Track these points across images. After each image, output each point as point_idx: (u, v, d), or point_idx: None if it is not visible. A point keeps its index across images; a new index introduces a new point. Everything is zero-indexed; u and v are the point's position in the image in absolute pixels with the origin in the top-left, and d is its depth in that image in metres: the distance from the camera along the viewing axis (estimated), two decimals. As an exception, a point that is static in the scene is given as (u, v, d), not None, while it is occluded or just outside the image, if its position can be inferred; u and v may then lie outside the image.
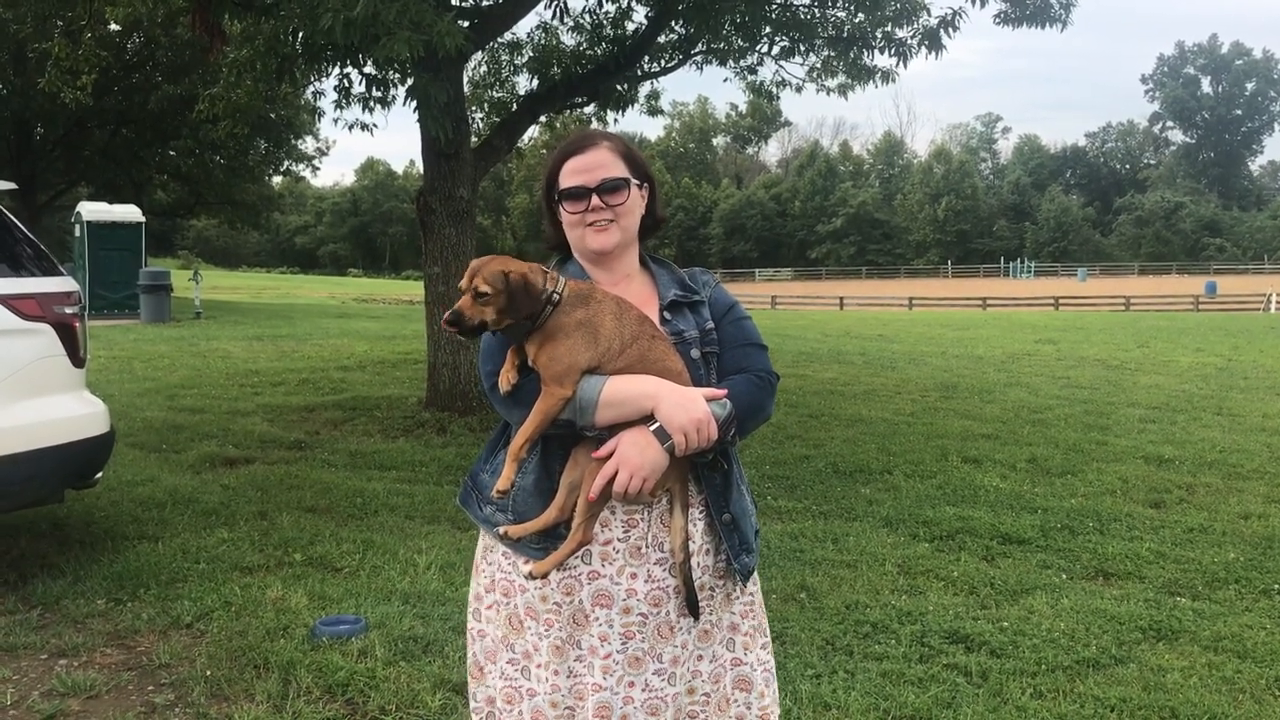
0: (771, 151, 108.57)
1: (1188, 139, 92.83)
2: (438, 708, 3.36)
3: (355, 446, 7.70)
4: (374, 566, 4.79)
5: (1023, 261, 77.36)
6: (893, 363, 14.69)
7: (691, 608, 2.00)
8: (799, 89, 11.46)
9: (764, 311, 34.70)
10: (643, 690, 2.00)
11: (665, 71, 11.10)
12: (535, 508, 2.00)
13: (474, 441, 7.82)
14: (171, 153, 30.63)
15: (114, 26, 20.44)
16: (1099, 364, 14.69)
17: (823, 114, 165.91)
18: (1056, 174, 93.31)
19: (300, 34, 7.74)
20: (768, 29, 9.71)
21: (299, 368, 12.73)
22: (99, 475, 4.89)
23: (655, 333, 2.00)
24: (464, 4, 9.33)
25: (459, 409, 8.75)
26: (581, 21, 10.68)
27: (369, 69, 8.75)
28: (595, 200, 2.05)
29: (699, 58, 10.98)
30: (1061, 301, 38.43)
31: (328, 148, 37.43)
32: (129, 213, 22.95)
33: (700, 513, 2.05)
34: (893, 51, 9.74)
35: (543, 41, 11.17)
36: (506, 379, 1.98)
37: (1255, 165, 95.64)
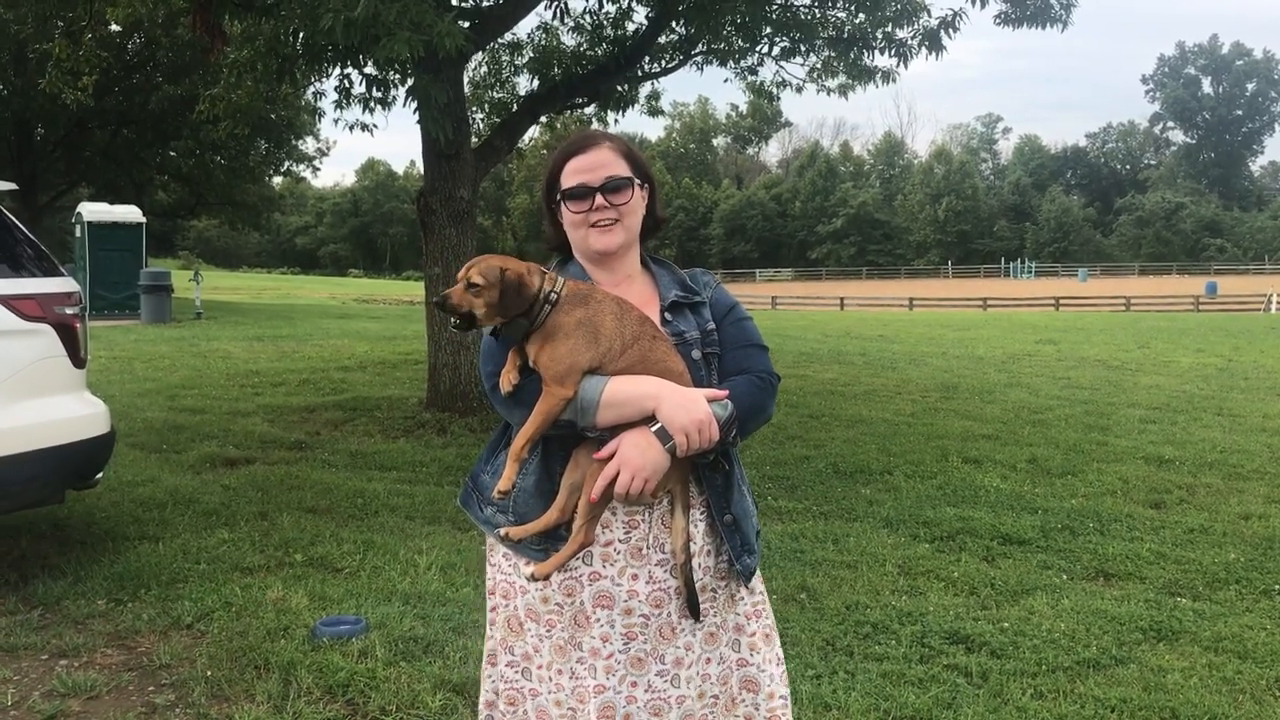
0: (772, 152, 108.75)
1: (1188, 139, 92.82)
2: (438, 708, 3.36)
3: (356, 447, 7.70)
4: (374, 567, 4.79)
5: (1023, 262, 77.36)
6: (893, 363, 14.69)
7: (692, 609, 2.00)
8: (799, 89, 11.46)
9: (764, 312, 34.70)
10: (645, 691, 2.00)
11: (666, 72, 11.11)
12: (536, 509, 2.00)
13: (474, 442, 7.82)
14: (172, 153, 30.65)
15: (115, 27, 20.43)
16: (1099, 364, 14.69)
17: (823, 114, 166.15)
18: (1057, 174, 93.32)
19: (301, 34, 7.75)
20: (768, 29, 9.70)
21: (299, 368, 12.74)
22: (100, 476, 4.89)
23: (656, 333, 2.00)
24: (464, 4, 9.34)
25: (459, 409, 8.75)
26: (582, 22, 10.69)
27: (369, 69, 8.75)
28: (599, 200, 2.04)
29: (699, 58, 10.98)
30: (1062, 302, 38.43)
31: (328, 148, 37.51)
32: (129, 213, 22.96)
33: (701, 514, 2.05)
34: (893, 52, 9.75)
35: (543, 42, 11.18)
36: (507, 379, 1.98)
37: (1256, 165, 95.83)
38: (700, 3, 8.45)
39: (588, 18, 10.61)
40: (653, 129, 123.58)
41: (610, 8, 10.40)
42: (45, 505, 4.92)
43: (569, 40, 11.01)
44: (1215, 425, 9.16)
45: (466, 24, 8.36)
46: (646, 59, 10.52)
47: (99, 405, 4.79)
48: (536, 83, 11.06)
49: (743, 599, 2.13)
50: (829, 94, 11.35)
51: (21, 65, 24.99)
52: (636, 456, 1.89)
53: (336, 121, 22.58)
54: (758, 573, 2.16)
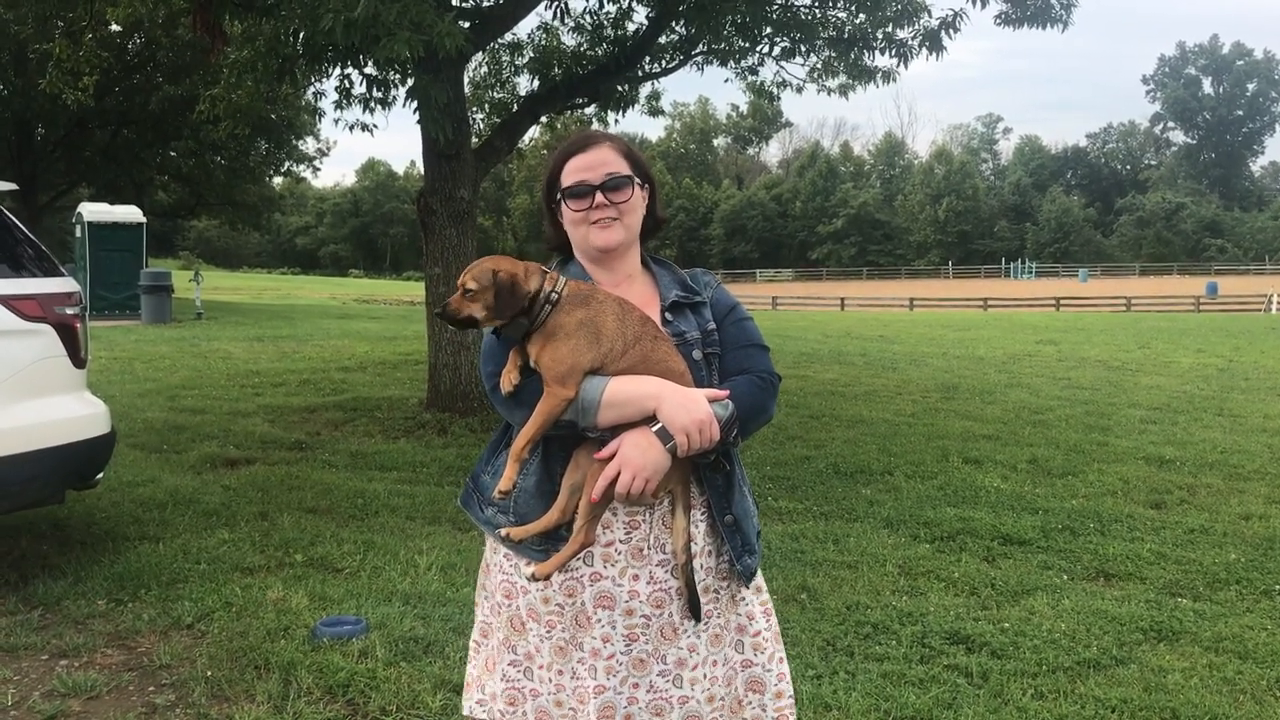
0: (772, 152, 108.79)
1: (1189, 139, 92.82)
2: (438, 708, 3.36)
3: (356, 447, 7.70)
4: (375, 567, 4.79)
5: (1024, 262, 77.35)
6: (894, 363, 14.68)
7: (693, 610, 1.99)
8: (800, 89, 11.46)
9: (765, 312, 34.70)
10: (647, 691, 1.99)
11: (666, 72, 11.10)
12: (537, 509, 2.00)
13: (475, 442, 7.82)
14: (172, 153, 30.67)
15: (115, 27, 20.42)
16: (1100, 365, 14.68)
17: (823, 115, 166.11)
18: (1057, 174, 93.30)
19: (301, 35, 7.74)
20: (768, 29, 9.70)
21: (300, 368, 12.74)
22: (100, 476, 4.89)
23: (658, 334, 2.00)
24: (464, 4, 9.34)
25: (460, 410, 8.75)
26: (582, 22, 10.69)
27: (369, 70, 8.75)
28: (599, 197, 2.04)
29: (700, 58, 10.98)
30: (1062, 302, 38.41)
31: (328, 148, 37.53)
32: (130, 213, 22.95)
33: (702, 514, 2.05)
34: (893, 52, 9.75)
35: (543, 42, 11.18)
36: (508, 380, 1.98)
37: (1256, 166, 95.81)
38: (700, 3, 8.45)
39: (588, 18, 10.62)
40: (653, 129, 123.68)
41: (610, 8, 10.40)
42: (45, 505, 4.92)
43: (569, 40, 11.02)
44: (1216, 426, 9.16)
45: (466, 24, 8.36)
46: (647, 59, 10.52)
47: (99, 405, 4.79)
48: (537, 83, 11.06)
49: (745, 599, 2.12)
50: (829, 94, 11.36)
51: (22, 65, 25.00)
52: (637, 457, 1.89)
53: (337, 122, 22.62)
54: (760, 573, 2.16)
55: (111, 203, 24.85)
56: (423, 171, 9.29)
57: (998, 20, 9.32)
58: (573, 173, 2.07)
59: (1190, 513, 6.03)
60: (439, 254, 8.79)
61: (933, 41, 9.30)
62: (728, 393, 1.97)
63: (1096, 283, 62.63)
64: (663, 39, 10.45)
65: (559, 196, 2.10)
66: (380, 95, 8.89)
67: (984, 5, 8.82)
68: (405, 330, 19.54)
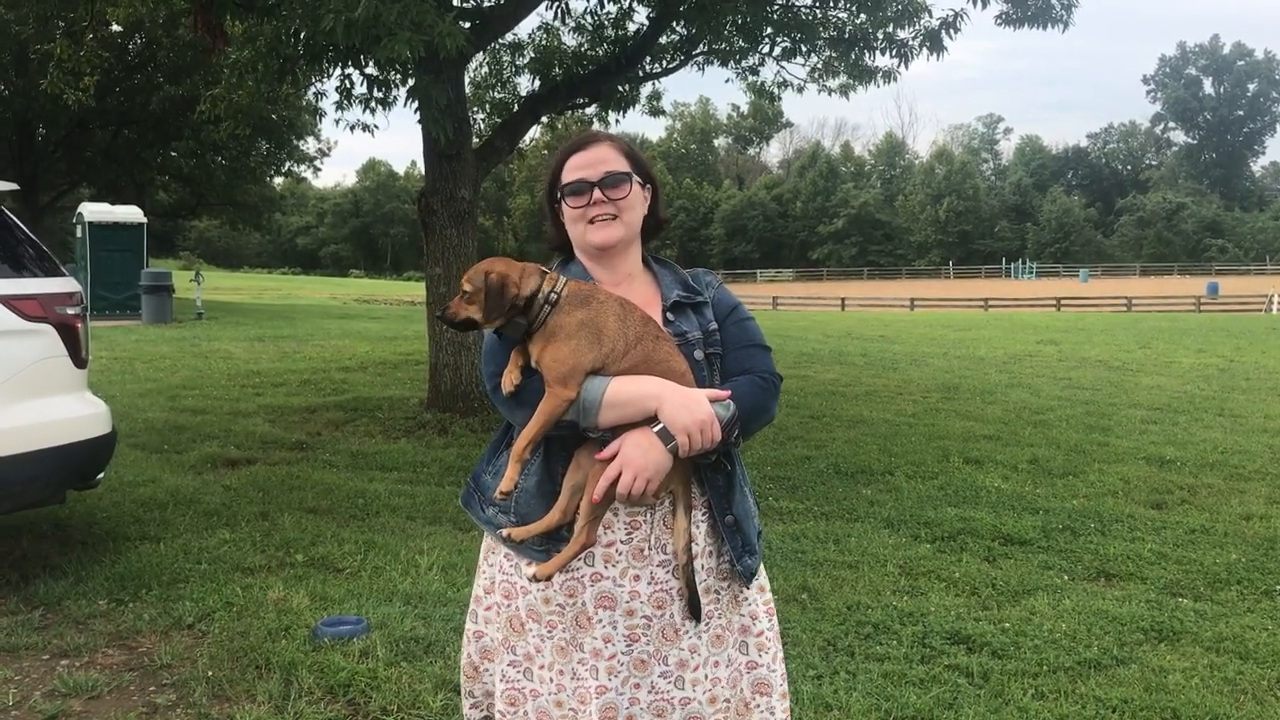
0: (773, 152, 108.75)
1: (1189, 140, 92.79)
2: (439, 708, 3.36)
3: (357, 447, 7.70)
4: (375, 567, 4.79)
5: (1024, 262, 77.31)
6: (894, 364, 14.68)
7: (693, 610, 1.99)
8: (800, 89, 11.46)
9: (765, 312, 34.68)
10: (649, 692, 1.99)
11: (667, 72, 11.11)
12: (538, 510, 2.00)
13: (476, 443, 7.82)
14: (173, 154, 30.67)
15: (116, 27, 20.45)
16: (1101, 365, 14.68)
17: (824, 115, 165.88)
18: (1058, 175, 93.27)
19: (302, 35, 7.75)
20: (769, 30, 9.71)
21: (300, 368, 12.74)
22: (101, 476, 4.89)
23: (659, 334, 2.00)
24: (465, 5, 9.34)
25: (461, 410, 8.75)
26: (583, 22, 10.69)
27: (370, 70, 8.75)
28: (597, 194, 2.05)
29: (700, 58, 10.98)
30: (1063, 302, 38.38)
31: (329, 149, 37.58)
32: (130, 213, 22.96)
33: (703, 514, 2.05)
34: (894, 52, 9.75)
35: (544, 42, 11.18)
36: (509, 380, 1.98)
37: (1257, 166, 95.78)
38: (701, 3, 8.45)
39: (589, 18, 10.62)
40: (654, 129, 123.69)
41: (611, 8, 10.40)
42: (46, 505, 4.92)
43: (570, 40, 11.03)
44: (1216, 426, 9.15)
45: (467, 24, 8.36)
46: (647, 59, 10.52)
47: (100, 405, 4.79)
48: (537, 83, 11.05)
49: (749, 599, 2.12)
50: (830, 94, 11.37)
51: (23, 66, 25.00)
52: (639, 457, 1.89)
53: (337, 122, 22.60)
54: (764, 573, 2.16)
55: (112, 203, 24.87)
56: (423, 172, 9.29)
57: (998, 20, 9.32)
58: (572, 170, 2.08)
59: (1191, 513, 6.02)
60: (440, 254, 8.79)
61: (933, 42, 9.30)
62: (729, 393, 1.97)
63: (1097, 283, 62.61)
64: (663, 39, 10.45)
65: (559, 195, 2.10)
66: (381, 95, 8.89)
67: (984, 5, 8.82)
68: (406, 330, 19.55)
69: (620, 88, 11.04)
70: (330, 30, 6.26)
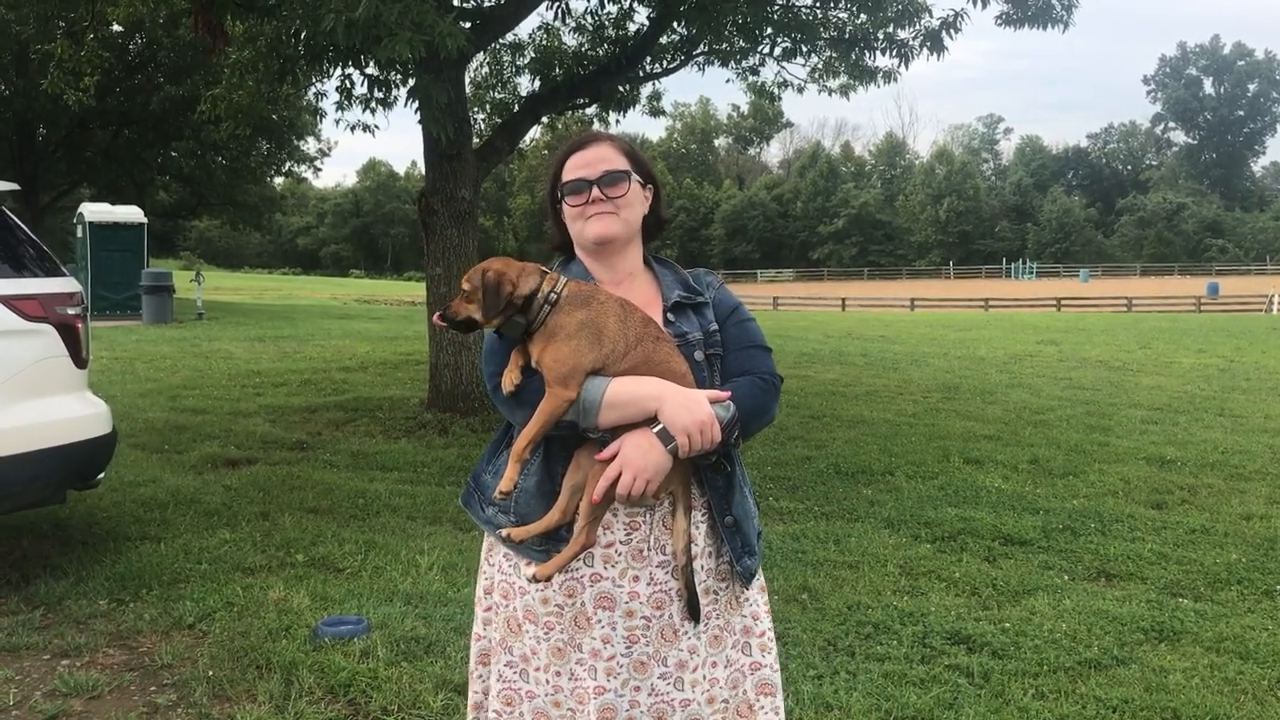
0: (773, 152, 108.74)
1: (1190, 140, 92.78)
2: (439, 708, 3.36)
3: (357, 447, 7.71)
4: (376, 567, 4.79)
5: (1025, 262, 77.29)
6: (894, 364, 14.68)
7: (693, 611, 1.99)
8: (801, 89, 11.47)
9: (766, 312, 34.68)
10: (649, 695, 1.99)
11: (667, 72, 11.11)
12: (538, 510, 2.00)
13: (476, 442, 7.82)
14: (173, 154, 30.67)
15: (116, 27, 20.45)
16: (1101, 365, 14.68)
17: (824, 115, 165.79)
18: (1058, 175, 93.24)
19: (302, 35, 7.75)
20: (769, 30, 9.71)
21: (301, 369, 12.74)
22: (101, 476, 4.89)
23: (660, 334, 2.00)
24: (466, 5, 9.34)
25: (461, 410, 8.75)
26: (583, 22, 10.70)
27: (371, 70, 8.75)
28: (595, 192, 2.05)
29: (701, 58, 10.98)
30: (1063, 302, 38.37)
31: (329, 149, 37.64)
32: (131, 214, 22.96)
33: (703, 515, 2.05)
34: (894, 52, 9.75)
35: (544, 42, 11.18)
36: (509, 379, 1.98)
37: (1257, 166, 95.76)
38: (702, 3, 8.45)
39: (589, 18, 10.63)
40: (654, 129, 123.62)
41: (612, 8, 10.42)
42: (47, 505, 4.92)
43: (570, 41, 11.03)
44: (1217, 426, 9.15)
45: (468, 24, 8.36)
46: (648, 59, 10.52)
47: (100, 405, 4.80)
48: (538, 83, 11.06)
49: (750, 600, 2.11)
50: (830, 94, 11.37)
51: (23, 66, 25.01)
52: (638, 457, 1.88)
53: (338, 122, 22.58)
54: (761, 574, 2.16)
55: (113, 203, 24.87)
56: (424, 172, 9.29)
57: (998, 21, 9.32)
58: (572, 169, 2.09)
59: (1191, 513, 6.03)
60: (440, 254, 8.79)
61: (934, 42, 9.30)
62: (729, 394, 1.96)
63: (1097, 283, 62.60)
64: (664, 39, 10.46)
65: (560, 194, 2.11)
66: (381, 96, 8.89)
67: (985, 6, 8.82)
68: (406, 330, 19.55)
69: (620, 88, 11.04)
70: (330, 30, 6.26)
